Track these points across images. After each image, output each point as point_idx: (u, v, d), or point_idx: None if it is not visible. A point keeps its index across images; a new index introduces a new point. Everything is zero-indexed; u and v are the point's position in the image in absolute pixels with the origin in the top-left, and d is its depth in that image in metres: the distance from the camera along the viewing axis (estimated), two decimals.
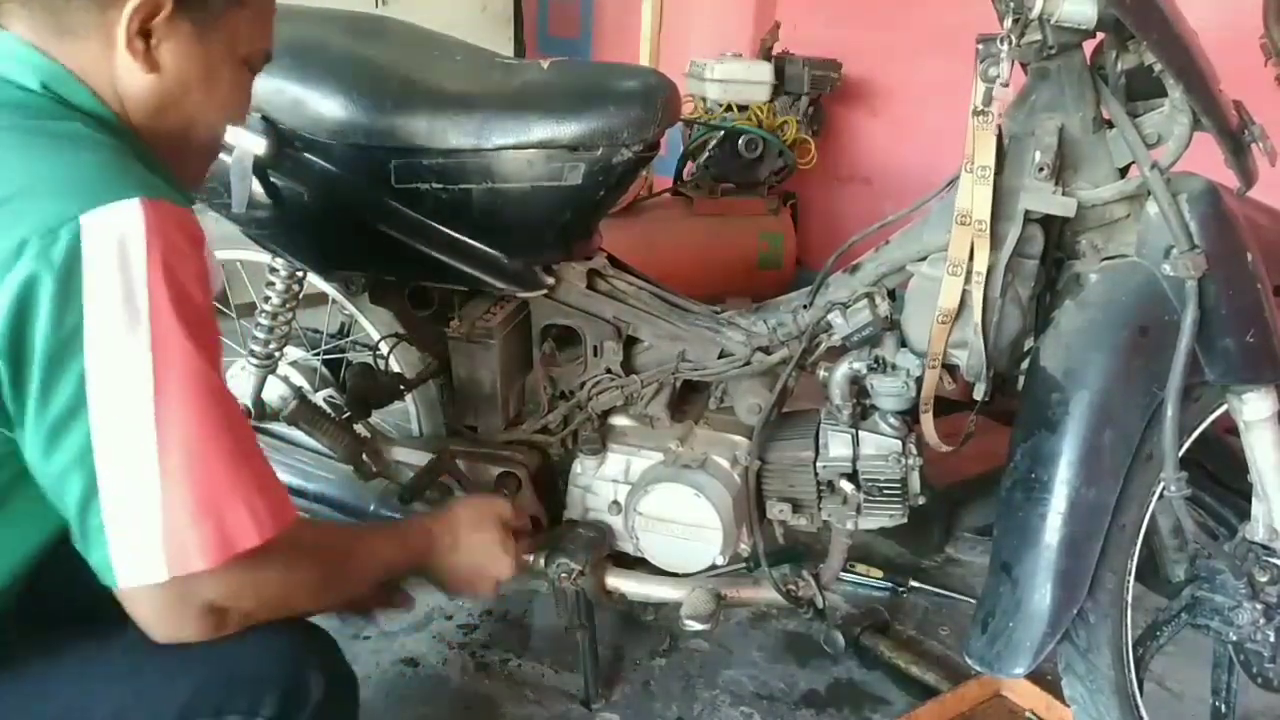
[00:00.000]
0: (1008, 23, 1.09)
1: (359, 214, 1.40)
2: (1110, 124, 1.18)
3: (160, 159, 0.93)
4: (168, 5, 0.86)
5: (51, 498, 0.81)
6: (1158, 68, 1.11)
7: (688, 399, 1.53)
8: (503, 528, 1.23)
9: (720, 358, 1.43)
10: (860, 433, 1.37)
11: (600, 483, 1.48)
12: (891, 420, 1.35)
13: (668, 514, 1.41)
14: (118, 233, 0.77)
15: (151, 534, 0.78)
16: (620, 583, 1.51)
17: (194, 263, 0.82)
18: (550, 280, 1.43)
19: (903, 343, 1.32)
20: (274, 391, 1.72)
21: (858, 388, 1.36)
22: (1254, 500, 1.27)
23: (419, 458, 1.52)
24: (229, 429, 0.83)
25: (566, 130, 1.31)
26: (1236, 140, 1.17)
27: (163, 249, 0.79)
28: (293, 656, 0.91)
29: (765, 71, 2.94)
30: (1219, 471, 1.41)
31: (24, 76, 0.85)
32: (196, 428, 0.80)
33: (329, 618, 1.06)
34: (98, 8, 0.85)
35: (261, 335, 1.61)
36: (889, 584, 1.95)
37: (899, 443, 1.35)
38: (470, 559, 1.19)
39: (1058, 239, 1.25)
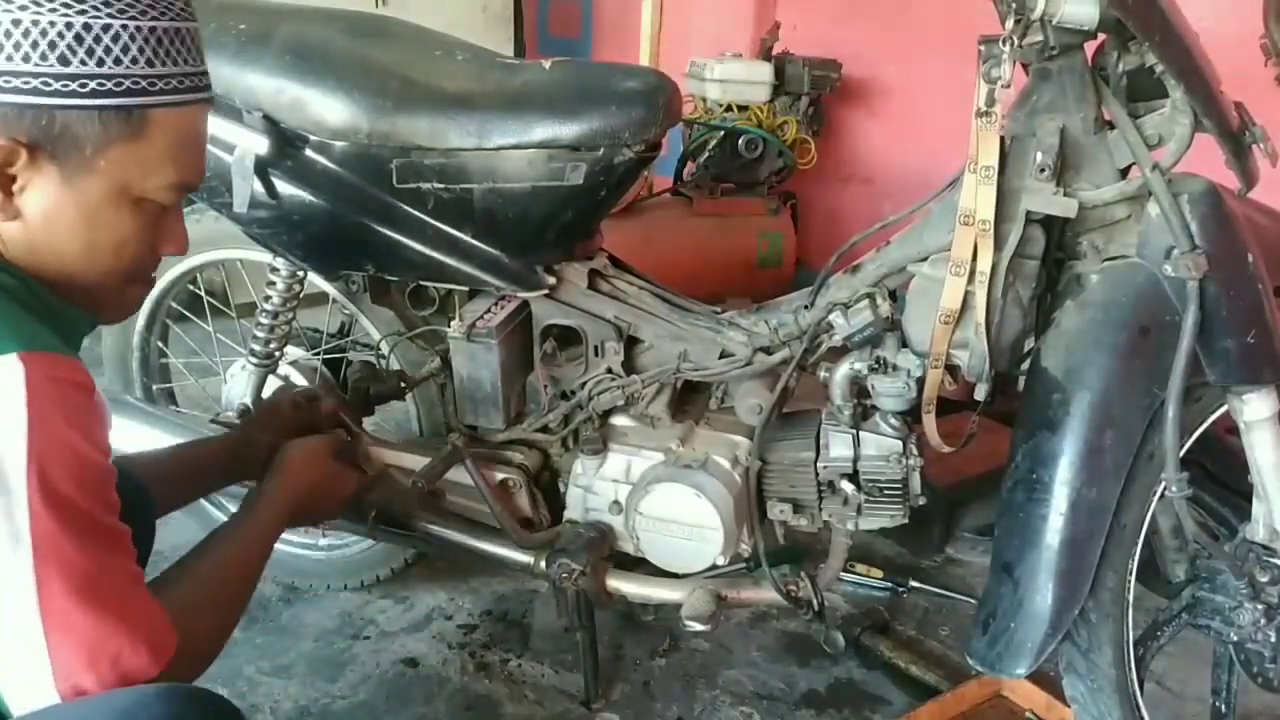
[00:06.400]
0: (1009, 24, 1.10)
1: (360, 214, 1.40)
2: (1111, 125, 1.18)
3: (67, 296, 0.92)
4: (22, 153, 0.83)
5: None
6: (1159, 69, 1.11)
7: (688, 399, 1.53)
8: (331, 453, 1.33)
9: (721, 358, 1.42)
10: (861, 433, 1.37)
11: (601, 483, 1.48)
12: (892, 421, 1.35)
13: (668, 514, 1.41)
14: None
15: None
16: (620, 583, 1.51)
17: (80, 416, 0.82)
18: (551, 280, 1.43)
19: (904, 343, 1.32)
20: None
21: (859, 388, 1.36)
22: (1254, 500, 1.27)
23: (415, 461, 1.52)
24: (108, 580, 0.82)
25: (568, 130, 1.31)
26: (1237, 141, 1.17)
27: (43, 412, 0.78)
28: None
29: (765, 71, 2.94)
30: (1219, 472, 1.41)
31: None
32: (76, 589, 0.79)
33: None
34: None
35: (262, 335, 1.61)
36: (889, 584, 1.96)
37: (900, 443, 1.35)
38: (321, 496, 1.30)
39: (1059, 239, 1.25)
